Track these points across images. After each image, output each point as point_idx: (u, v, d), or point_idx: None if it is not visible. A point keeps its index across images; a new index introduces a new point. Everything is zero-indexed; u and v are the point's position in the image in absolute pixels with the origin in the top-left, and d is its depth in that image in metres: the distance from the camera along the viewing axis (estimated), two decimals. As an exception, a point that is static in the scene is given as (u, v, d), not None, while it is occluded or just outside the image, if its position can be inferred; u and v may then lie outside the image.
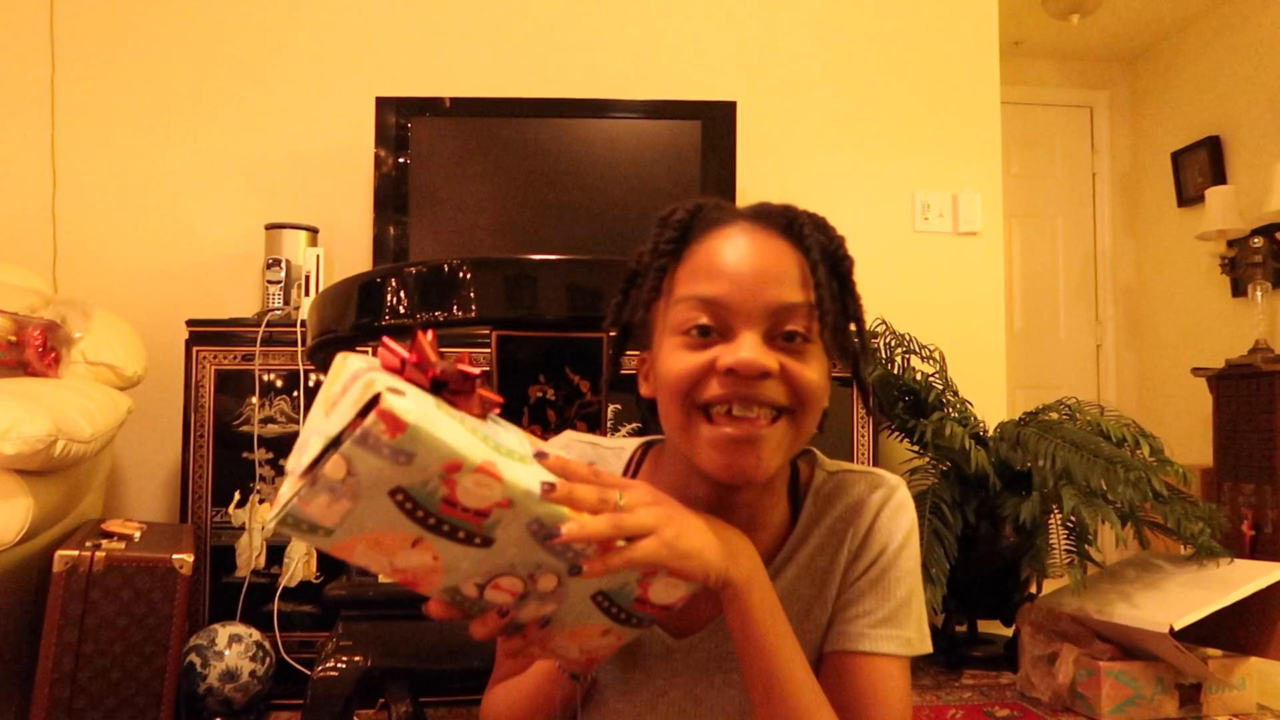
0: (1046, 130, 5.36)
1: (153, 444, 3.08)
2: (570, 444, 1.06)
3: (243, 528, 2.68)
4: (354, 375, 0.69)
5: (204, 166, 3.22)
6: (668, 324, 0.88)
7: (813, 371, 0.85)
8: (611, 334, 0.98)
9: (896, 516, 0.95)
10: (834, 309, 0.88)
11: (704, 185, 3.10)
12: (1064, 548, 2.73)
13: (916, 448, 3.00)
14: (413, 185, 3.05)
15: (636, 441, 1.06)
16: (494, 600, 0.74)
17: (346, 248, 3.22)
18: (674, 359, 0.86)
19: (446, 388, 0.74)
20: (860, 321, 0.95)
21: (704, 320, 0.85)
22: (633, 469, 1.03)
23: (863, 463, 2.99)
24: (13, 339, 2.32)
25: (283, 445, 2.71)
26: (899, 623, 0.93)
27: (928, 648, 0.95)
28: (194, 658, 2.33)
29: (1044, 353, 5.27)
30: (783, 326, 0.84)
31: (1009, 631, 2.98)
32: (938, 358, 3.05)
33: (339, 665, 1.38)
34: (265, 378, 2.73)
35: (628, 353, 0.98)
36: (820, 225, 0.91)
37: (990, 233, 3.55)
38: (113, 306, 2.87)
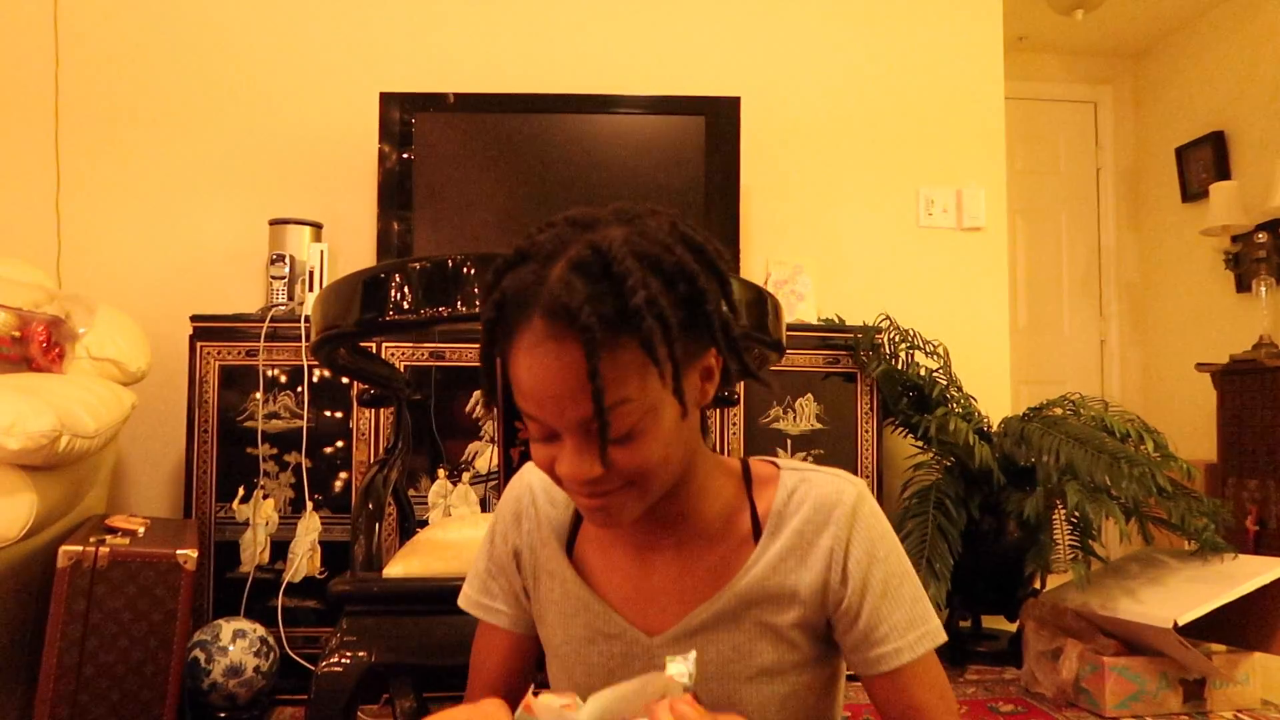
0: (1051, 126, 5.35)
1: (157, 439, 3.08)
2: (531, 468, 1.09)
3: (247, 523, 2.68)
4: None
5: (208, 162, 3.23)
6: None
7: (643, 447, 0.85)
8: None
9: (873, 526, 0.97)
10: (638, 363, 0.82)
11: (708, 180, 3.10)
12: (1068, 543, 2.73)
13: (920, 443, 3.01)
14: (417, 180, 3.05)
15: None
16: None
17: (351, 243, 3.22)
18: (534, 449, 0.90)
19: None
20: (698, 310, 0.86)
21: (537, 432, 0.88)
22: None
23: (867, 458, 2.99)
24: (17, 334, 2.32)
25: (287, 441, 2.72)
26: (922, 618, 0.97)
27: (941, 632, 0.99)
28: (198, 653, 2.33)
29: (1048, 348, 5.26)
30: (593, 429, 0.83)
31: (1013, 627, 2.98)
32: (942, 353, 3.05)
33: (343, 661, 1.38)
34: (269, 373, 2.73)
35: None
36: (610, 278, 0.81)
37: (994, 228, 3.54)
38: (117, 302, 2.87)
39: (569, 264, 0.82)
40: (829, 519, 0.96)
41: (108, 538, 2.08)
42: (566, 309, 0.80)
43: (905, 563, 0.98)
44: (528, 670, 1.10)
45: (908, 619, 0.96)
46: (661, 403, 0.85)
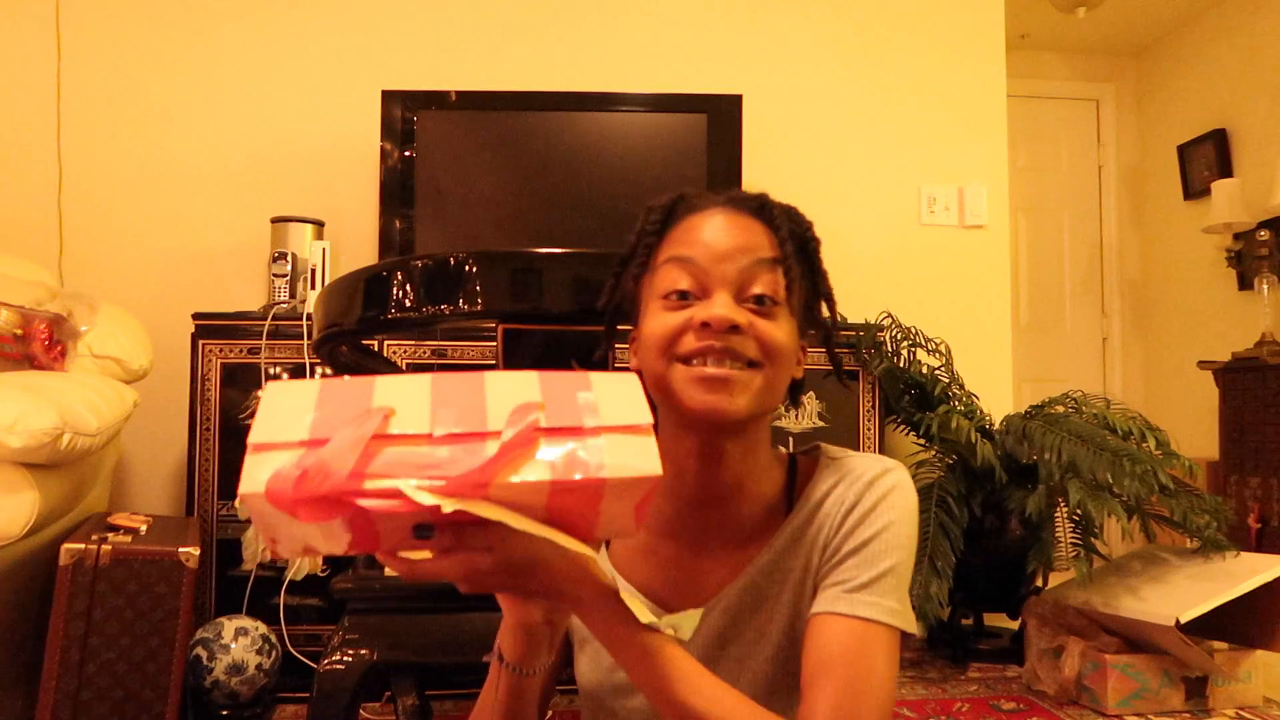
0: (1053, 123, 5.34)
1: (159, 437, 3.08)
2: None
3: (249, 521, 2.68)
4: None
5: (210, 160, 3.23)
6: (653, 291, 0.97)
7: (780, 330, 0.94)
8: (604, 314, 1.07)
9: (888, 493, 0.96)
10: (800, 275, 0.97)
11: (710, 178, 3.10)
12: (1070, 541, 2.73)
13: (922, 441, 3.00)
14: (419, 178, 3.05)
15: None
16: None
17: (352, 241, 3.22)
18: (656, 320, 0.95)
19: None
20: (829, 298, 1.03)
21: (683, 283, 0.94)
22: None
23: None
24: (19, 332, 2.32)
25: (288, 439, 2.71)
26: (879, 591, 0.92)
27: (911, 626, 0.94)
28: (200, 651, 2.33)
29: (1050, 346, 5.25)
30: (751, 287, 0.93)
31: (1015, 625, 2.98)
32: (944, 351, 3.05)
33: (345, 659, 1.38)
34: (271, 371, 2.73)
35: (619, 332, 1.08)
36: (789, 211, 1.00)
37: (996, 226, 3.54)
38: (119, 300, 2.87)
39: None
40: (852, 484, 0.97)
41: (110, 536, 2.08)
42: (752, 197, 0.99)
43: (901, 548, 0.95)
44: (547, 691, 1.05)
45: (866, 582, 0.92)
46: (790, 318, 0.96)
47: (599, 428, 0.73)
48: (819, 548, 0.97)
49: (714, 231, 0.95)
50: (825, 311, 1.04)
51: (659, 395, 0.96)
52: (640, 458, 0.73)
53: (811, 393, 2.97)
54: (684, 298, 0.94)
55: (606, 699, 1.05)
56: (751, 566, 0.99)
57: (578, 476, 0.70)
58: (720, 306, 0.91)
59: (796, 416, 2.96)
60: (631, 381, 0.79)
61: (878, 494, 0.96)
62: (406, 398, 0.75)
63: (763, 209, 0.98)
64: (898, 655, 0.93)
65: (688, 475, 0.99)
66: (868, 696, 0.88)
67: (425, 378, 0.78)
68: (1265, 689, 2.52)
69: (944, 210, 3.51)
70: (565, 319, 1.34)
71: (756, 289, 0.93)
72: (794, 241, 0.97)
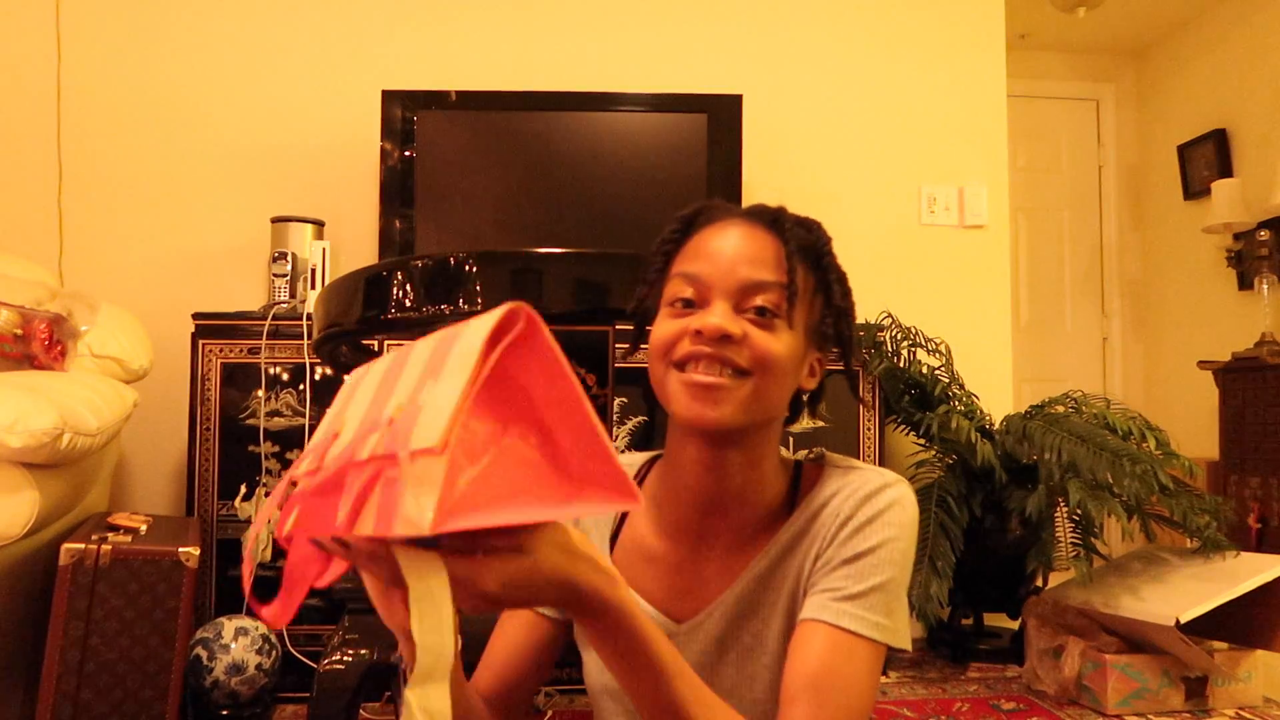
0: (1053, 123, 5.34)
1: (159, 437, 3.08)
2: None
3: (249, 521, 2.68)
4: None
5: (210, 160, 3.22)
6: (663, 300, 1.00)
7: (776, 343, 0.94)
8: (623, 322, 1.07)
9: (887, 508, 0.96)
10: (808, 293, 0.98)
11: (710, 178, 3.10)
12: (1070, 541, 2.73)
13: (922, 441, 3.00)
14: (419, 178, 3.05)
15: (644, 456, 1.13)
16: None
17: (352, 241, 3.21)
18: (660, 326, 0.98)
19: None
20: (844, 312, 1.03)
21: (687, 293, 0.96)
22: (639, 480, 1.10)
23: (869, 455, 2.98)
24: (19, 332, 2.32)
25: (289, 438, 2.72)
26: (867, 604, 0.91)
27: (903, 642, 0.93)
28: (200, 651, 2.33)
29: (1050, 346, 5.26)
30: (751, 300, 0.94)
31: (1015, 624, 2.98)
32: (944, 351, 3.05)
33: (345, 659, 1.38)
34: (271, 371, 2.73)
35: (643, 338, 1.08)
36: (806, 224, 1.01)
37: (996, 225, 3.53)
38: (119, 300, 2.87)
39: None
40: (850, 495, 0.97)
41: (110, 535, 2.08)
42: (767, 211, 1.00)
43: (894, 565, 0.94)
44: (542, 657, 1.08)
45: (854, 594, 0.92)
46: (794, 331, 0.96)
47: (407, 455, 0.55)
48: (811, 556, 0.97)
49: (722, 243, 0.97)
50: (840, 326, 1.02)
51: (661, 400, 0.98)
52: (409, 510, 0.53)
53: (811, 393, 2.97)
54: (688, 306, 0.96)
55: (614, 700, 1.05)
56: (747, 573, 1.00)
57: (381, 528, 0.55)
58: (715, 315, 0.93)
59: (796, 416, 2.96)
60: (465, 351, 0.57)
61: (876, 508, 0.96)
62: (359, 403, 0.66)
63: (776, 221, 0.99)
64: (880, 671, 0.93)
65: (690, 481, 1.00)
66: (845, 713, 0.88)
67: (381, 365, 0.68)
68: (1265, 689, 2.52)
69: (944, 210, 3.51)
70: (565, 319, 1.33)
71: (757, 300, 0.94)
72: (806, 255, 0.98)
